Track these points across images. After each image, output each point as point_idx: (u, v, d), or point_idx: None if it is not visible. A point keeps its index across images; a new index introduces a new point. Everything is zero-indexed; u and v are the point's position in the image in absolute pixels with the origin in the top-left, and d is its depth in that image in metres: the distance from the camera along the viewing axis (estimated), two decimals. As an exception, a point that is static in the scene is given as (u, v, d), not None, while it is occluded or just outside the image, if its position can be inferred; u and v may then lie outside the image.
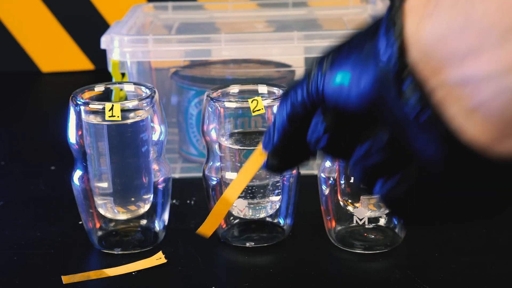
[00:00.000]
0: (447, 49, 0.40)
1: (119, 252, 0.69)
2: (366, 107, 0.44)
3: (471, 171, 0.42)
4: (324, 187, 0.68)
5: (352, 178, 0.67)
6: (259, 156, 0.54)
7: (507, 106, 0.39)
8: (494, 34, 0.39)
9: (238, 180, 0.57)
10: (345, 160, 0.49)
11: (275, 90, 0.70)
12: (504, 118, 0.39)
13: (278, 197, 0.69)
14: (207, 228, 0.58)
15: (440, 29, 0.41)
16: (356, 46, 0.45)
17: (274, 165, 0.52)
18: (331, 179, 0.68)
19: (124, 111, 0.65)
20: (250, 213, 0.69)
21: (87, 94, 0.68)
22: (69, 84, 1.23)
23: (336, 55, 0.46)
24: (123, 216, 0.69)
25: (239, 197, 0.68)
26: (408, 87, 0.41)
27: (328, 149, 0.48)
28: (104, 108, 0.64)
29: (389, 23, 0.42)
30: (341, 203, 0.68)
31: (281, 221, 0.71)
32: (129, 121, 0.66)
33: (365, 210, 0.67)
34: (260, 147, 0.53)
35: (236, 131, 0.68)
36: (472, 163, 0.42)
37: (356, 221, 0.68)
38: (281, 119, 0.50)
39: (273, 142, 0.51)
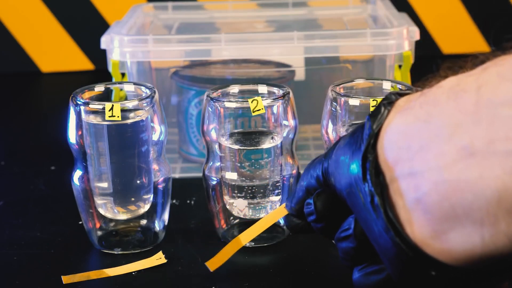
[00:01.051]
0: (405, 144, 0.42)
1: (119, 252, 0.69)
2: (347, 189, 0.46)
3: (421, 273, 0.42)
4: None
5: None
6: (282, 210, 0.58)
7: (443, 200, 0.39)
8: (445, 131, 0.40)
9: (255, 227, 0.60)
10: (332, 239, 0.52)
11: (275, 90, 0.69)
12: (440, 213, 0.39)
13: (278, 197, 0.69)
14: (214, 263, 0.62)
15: (404, 125, 0.43)
16: (352, 134, 0.48)
17: (291, 224, 0.57)
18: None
19: (124, 111, 0.65)
20: (250, 213, 0.69)
21: (87, 94, 0.68)
22: (69, 84, 1.24)
23: (341, 143, 0.49)
24: (123, 216, 0.69)
25: (239, 197, 0.68)
26: (369, 173, 0.43)
27: (316, 226, 0.52)
28: (104, 108, 0.64)
29: (375, 111, 0.45)
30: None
31: (281, 221, 0.71)
32: (129, 121, 0.66)
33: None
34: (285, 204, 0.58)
35: (236, 131, 0.68)
36: (419, 264, 0.42)
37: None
38: (300, 186, 0.54)
39: (291, 203, 0.56)
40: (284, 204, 0.57)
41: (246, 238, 0.61)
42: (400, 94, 0.45)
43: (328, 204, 0.50)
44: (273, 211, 0.59)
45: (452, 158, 0.39)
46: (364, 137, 0.44)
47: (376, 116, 0.44)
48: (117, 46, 0.84)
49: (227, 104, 0.67)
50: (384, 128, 0.44)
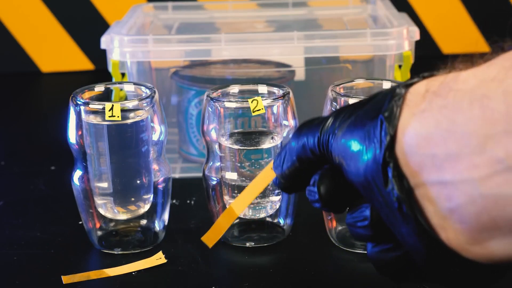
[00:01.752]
0: (428, 151, 0.41)
1: (119, 252, 0.69)
2: (362, 183, 0.45)
3: (451, 263, 0.42)
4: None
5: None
6: (269, 172, 0.55)
7: (482, 213, 0.39)
8: (474, 141, 0.39)
9: (246, 193, 0.58)
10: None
11: (275, 90, 0.70)
12: (478, 224, 0.39)
13: (278, 197, 0.69)
14: (210, 238, 0.60)
15: (424, 130, 0.41)
16: (359, 124, 0.45)
17: (283, 185, 0.54)
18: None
19: (124, 111, 0.65)
20: (250, 213, 0.69)
21: (87, 94, 0.68)
22: (69, 84, 1.24)
23: (346, 123, 0.47)
24: (123, 216, 0.69)
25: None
26: (393, 178, 0.42)
27: (323, 208, 0.50)
28: (104, 108, 0.64)
29: (388, 111, 0.43)
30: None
31: (281, 221, 0.71)
32: (129, 121, 0.66)
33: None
34: (271, 165, 0.54)
35: (236, 131, 0.68)
36: (451, 258, 0.42)
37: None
38: (291, 155, 0.51)
39: (282, 169, 0.53)
40: (270, 166, 0.55)
41: (239, 208, 0.58)
42: (406, 85, 0.44)
43: (332, 189, 0.49)
44: (261, 176, 0.57)
45: (487, 171, 0.38)
46: (378, 137, 0.43)
47: (390, 117, 0.43)
48: (117, 46, 0.84)
49: (227, 104, 0.67)
50: (401, 129, 0.42)
